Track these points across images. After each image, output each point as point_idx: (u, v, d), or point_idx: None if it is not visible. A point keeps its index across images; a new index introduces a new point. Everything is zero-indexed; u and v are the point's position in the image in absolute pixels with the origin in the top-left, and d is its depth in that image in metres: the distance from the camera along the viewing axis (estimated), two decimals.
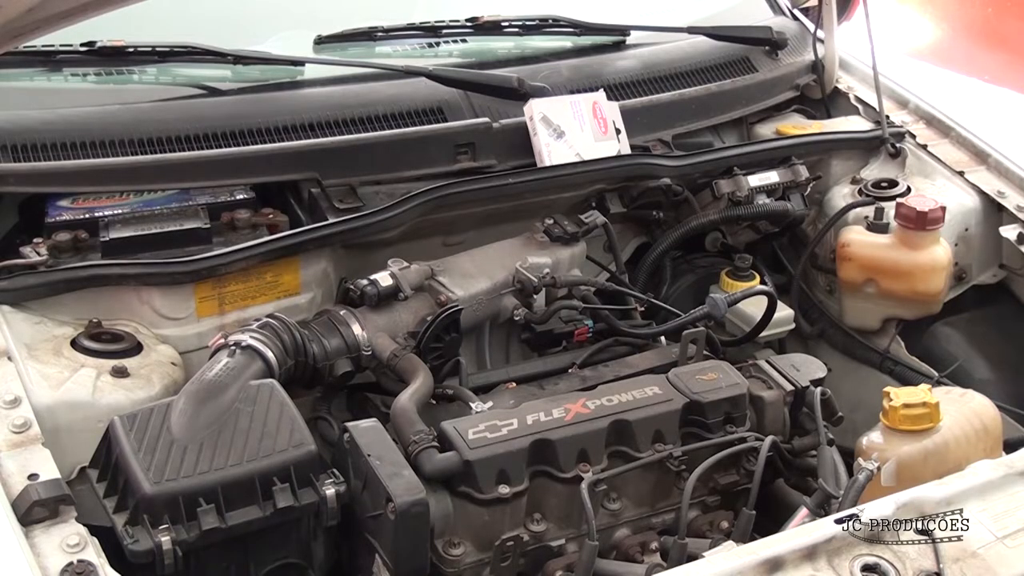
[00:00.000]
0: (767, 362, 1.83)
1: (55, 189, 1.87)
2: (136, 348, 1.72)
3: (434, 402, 1.73)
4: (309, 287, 1.91)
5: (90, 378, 1.61)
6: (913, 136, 2.47)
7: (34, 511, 1.31)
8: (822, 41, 2.62)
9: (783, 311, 2.16)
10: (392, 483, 1.43)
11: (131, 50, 2.08)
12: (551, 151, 2.13)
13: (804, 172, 2.34)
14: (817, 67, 2.62)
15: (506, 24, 2.44)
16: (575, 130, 2.17)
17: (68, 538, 1.29)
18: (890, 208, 2.25)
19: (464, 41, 2.39)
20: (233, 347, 1.59)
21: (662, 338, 1.99)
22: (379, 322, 1.79)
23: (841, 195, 2.40)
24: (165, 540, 1.34)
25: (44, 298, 1.73)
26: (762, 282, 2.26)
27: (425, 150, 2.10)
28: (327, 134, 2.05)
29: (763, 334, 2.09)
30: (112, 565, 1.29)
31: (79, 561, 1.26)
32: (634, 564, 1.59)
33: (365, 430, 1.53)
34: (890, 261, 2.21)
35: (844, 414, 1.83)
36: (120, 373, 1.64)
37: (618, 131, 2.22)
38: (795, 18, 2.77)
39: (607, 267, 2.18)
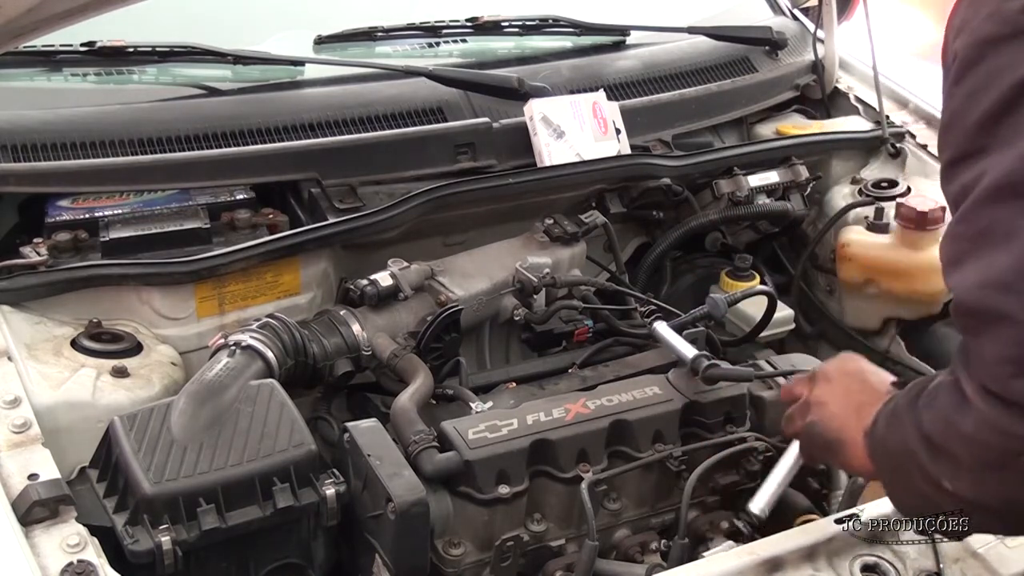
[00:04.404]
0: (767, 362, 1.82)
1: (55, 189, 1.87)
2: (136, 348, 1.72)
3: (434, 402, 1.73)
4: (309, 287, 1.91)
5: (90, 378, 1.61)
6: (913, 136, 2.47)
7: (34, 511, 1.31)
8: (822, 41, 2.63)
9: (783, 311, 2.16)
10: (392, 483, 1.43)
11: (131, 50, 2.08)
12: (551, 151, 2.13)
13: (804, 172, 2.34)
14: (817, 67, 2.62)
15: (506, 24, 2.44)
16: (575, 130, 2.17)
17: (68, 538, 1.29)
18: (890, 208, 2.25)
19: (464, 41, 2.39)
20: (233, 347, 1.59)
21: None
22: (379, 322, 1.79)
23: (841, 195, 2.40)
24: (165, 540, 1.34)
25: (44, 298, 1.72)
26: (762, 282, 2.26)
27: (425, 150, 2.10)
28: (327, 134, 2.05)
29: (763, 334, 2.09)
30: (112, 565, 1.29)
31: (79, 561, 1.26)
32: (634, 564, 1.59)
33: (365, 430, 1.52)
34: (890, 261, 2.21)
35: None
36: (120, 373, 1.64)
37: (618, 131, 2.22)
38: (795, 18, 2.77)
39: (607, 267, 2.18)
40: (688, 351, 1.72)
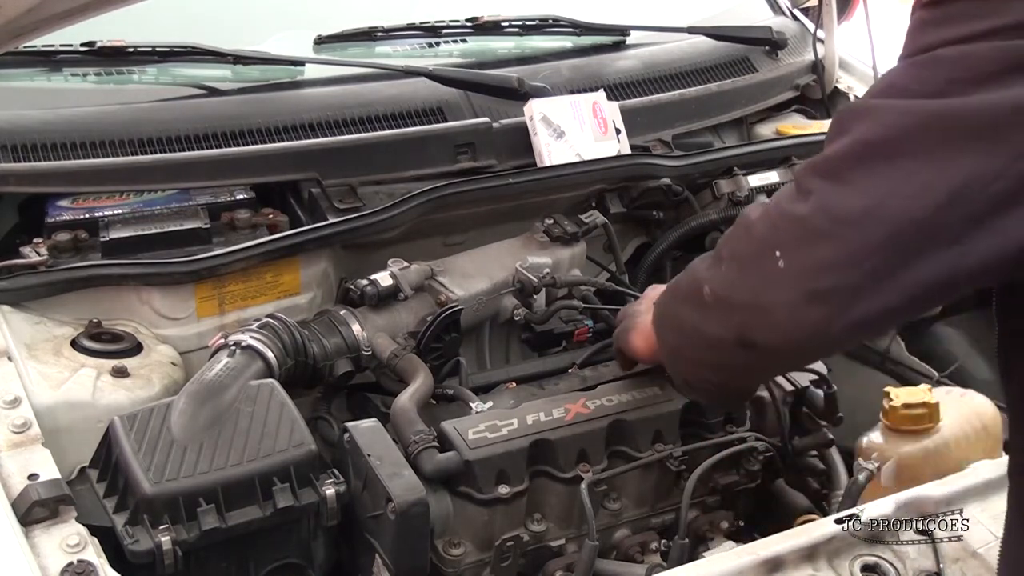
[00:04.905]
0: None
1: (55, 189, 1.87)
2: (136, 348, 1.72)
3: (434, 402, 1.73)
4: (309, 287, 1.91)
5: (90, 378, 1.61)
6: None
7: (34, 511, 1.31)
8: (822, 41, 2.63)
9: None
10: (392, 483, 1.43)
11: (131, 50, 2.08)
12: (551, 151, 2.13)
13: None
14: (817, 67, 2.62)
15: (506, 24, 2.44)
16: (575, 130, 2.17)
17: (68, 538, 1.29)
18: None
19: (464, 41, 2.39)
20: (233, 347, 1.59)
21: None
22: (379, 322, 1.79)
23: None
24: (165, 540, 1.34)
25: (44, 298, 1.72)
26: None
27: (425, 150, 2.10)
28: (327, 134, 2.05)
29: None
30: (112, 565, 1.29)
31: (79, 561, 1.26)
32: (634, 564, 1.59)
33: (365, 430, 1.52)
34: None
35: (844, 414, 1.83)
36: (120, 373, 1.64)
37: (618, 131, 2.22)
38: (795, 18, 2.77)
39: (607, 267, 2.18)
40: None
